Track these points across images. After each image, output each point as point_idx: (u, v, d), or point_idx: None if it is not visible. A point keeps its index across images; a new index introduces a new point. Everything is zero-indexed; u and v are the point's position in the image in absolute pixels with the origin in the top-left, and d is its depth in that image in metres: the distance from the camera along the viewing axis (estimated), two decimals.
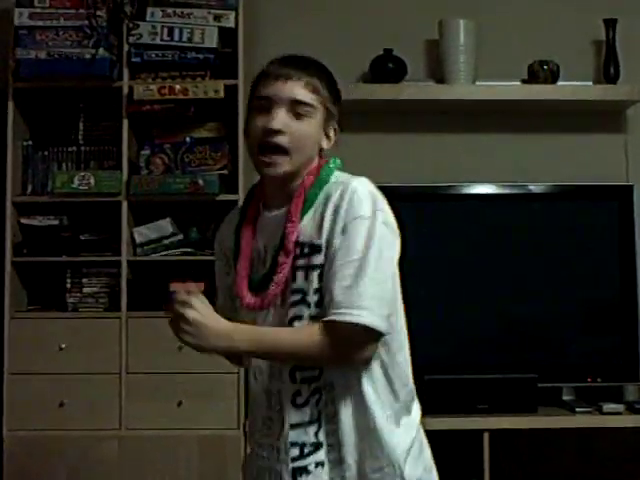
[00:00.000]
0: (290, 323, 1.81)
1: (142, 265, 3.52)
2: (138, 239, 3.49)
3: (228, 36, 3.52)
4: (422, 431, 1.92)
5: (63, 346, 3.39)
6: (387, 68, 3.73)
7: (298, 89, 1.82)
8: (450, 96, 3.69)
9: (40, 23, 3.46)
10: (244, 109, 2.08)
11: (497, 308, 3.65)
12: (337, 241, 1.77)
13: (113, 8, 3.44)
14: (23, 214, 3.52)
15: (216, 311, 1.80)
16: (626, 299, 3.64)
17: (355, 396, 1.81)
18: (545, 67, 3.71)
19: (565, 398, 3.63)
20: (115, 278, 3.45)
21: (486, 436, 3.39)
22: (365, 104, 3.65)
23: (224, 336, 1.76)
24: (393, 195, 1.89)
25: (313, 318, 1.79)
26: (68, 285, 3.48)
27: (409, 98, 3.66)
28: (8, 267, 3.46)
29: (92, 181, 3.45)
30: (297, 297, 1.80)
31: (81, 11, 3.44)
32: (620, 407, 3.50)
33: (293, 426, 1.81)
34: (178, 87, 3.45)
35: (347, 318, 1.72)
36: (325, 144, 1.89)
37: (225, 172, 3.51)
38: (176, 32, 3.47)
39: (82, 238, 3.49)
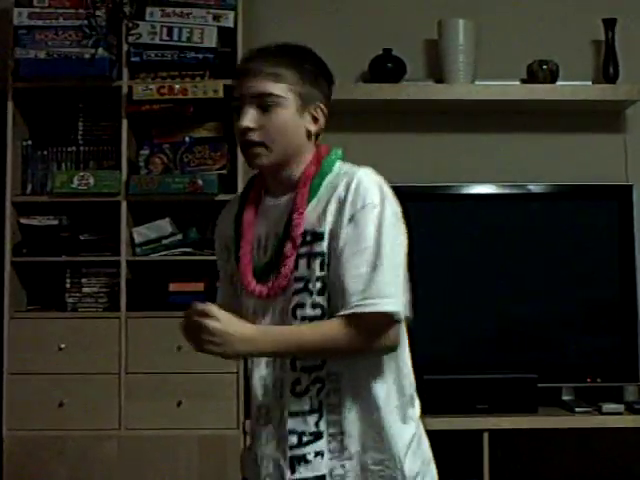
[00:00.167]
0: (293, 311, 1.80)
1: (141, 265, 3.52)
2: (137, 239, 3.48)
3: (227, 36, 3.52)
4: (422, 425, 1.91)
5: (62, 346, 3.39)
6: (386, 68, 3.73)
7: (258, 83, 1.82)
8: (449, 96, 3.68)
9: (39, 23, 3.46)
10: None
11: (497, 308, 3.65)
12: (345, 231, 1.76)
13: (112, 8, 3.45)
14: (22, 214, 3.52)
15: None
16: (626, 299, 3.63)
17: (362, 387, 1.81)
18: (544, 67, 3.71)
19: (565, 398, 3.62)
20: (114, 278, 3.45)
21: (486, 436, 3.38)
22: (364, 104, 3.65)
23: (248, 341, 1.75)
24: None
25: (315, 306, 1.78)
26: (67, 285, 3.48)
27: (408, 98, 3.65)
28: (7, 267, 3.46)
29: (91, 181, 3.45)
30: (300, 285, 1.80)
31: (80, 11, 3.44)
32: (620, 407, 3.49)
33: (292, 414, 1.80)
34: (177, 87, 3.45)
35: (373, 308, 1.72)
36: (312, 127, 1.87)
37: (224, 172, 3.51)
38: (175, 32, 3.47)
39: (81, 238, 3.49)
